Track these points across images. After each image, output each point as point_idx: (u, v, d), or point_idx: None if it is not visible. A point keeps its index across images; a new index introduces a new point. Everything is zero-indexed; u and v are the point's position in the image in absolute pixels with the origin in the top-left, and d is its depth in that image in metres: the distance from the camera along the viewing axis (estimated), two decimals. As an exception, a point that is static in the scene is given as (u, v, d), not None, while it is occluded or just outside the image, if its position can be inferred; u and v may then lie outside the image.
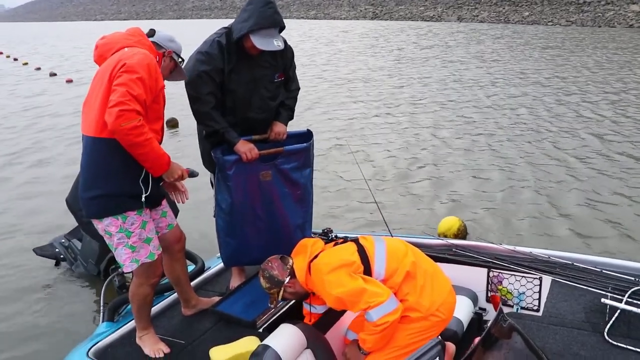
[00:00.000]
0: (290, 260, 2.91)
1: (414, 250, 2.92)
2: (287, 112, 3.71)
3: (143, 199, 2.88)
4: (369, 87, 15.61)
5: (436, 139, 9.95)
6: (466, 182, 7.67)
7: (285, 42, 3.49)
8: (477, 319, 3.17)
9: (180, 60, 3.17)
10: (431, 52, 22.57)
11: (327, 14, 49.36)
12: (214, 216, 3.74)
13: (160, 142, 2.94)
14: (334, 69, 19.47)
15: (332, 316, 3.24)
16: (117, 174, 2.81)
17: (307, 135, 3.73)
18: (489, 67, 18.21)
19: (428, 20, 39.09)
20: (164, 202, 3.23)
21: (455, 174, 8.01)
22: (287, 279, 2.87)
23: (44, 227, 6.72)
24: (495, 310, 2.58)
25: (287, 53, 3.60)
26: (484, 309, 2.83)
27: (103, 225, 2.89)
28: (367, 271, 2.75)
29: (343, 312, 3.28)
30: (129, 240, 2.90)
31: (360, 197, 7.24)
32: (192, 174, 3.18)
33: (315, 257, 2.86)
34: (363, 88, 15.56)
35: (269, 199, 3.56)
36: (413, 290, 2.73)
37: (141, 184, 2.88)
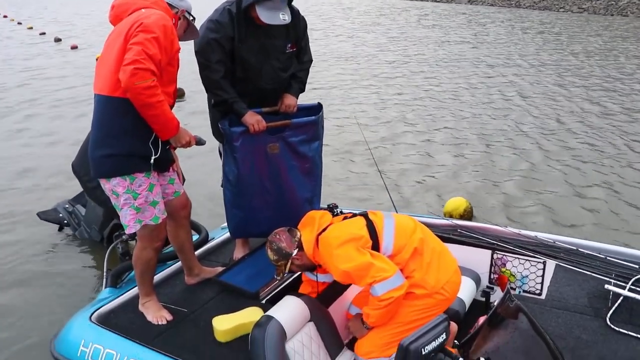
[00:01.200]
0: (298, 233, 2.91)
1: (423, 228, 2.91)
2: (298, 84, 3.66)
3: (152, 161, 2.90)
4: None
5: (442, 121, 9.90)
6: (473, 162, 7.64)
7: (298, 12, 3.47)
8: (485, 298, 3.16)
9: (192, 18, 3.16)
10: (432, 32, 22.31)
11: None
12: (222, 187, 3.73)
13: (172, 106, 2.93)
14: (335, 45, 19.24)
15: (335, 290, 3.25)
16: (127, 134, 2.81)
17: (317, 109, 3.69)
18: (486, 48, 17.99)
19: (438, 2, 38.62)
20: (172, 168, 3.22)
21: (467, 158, 7.98)
22: (295, 252, 2.86)
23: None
24: (502, 291, 2.58)
25: (299, 23, 3.56)
26: (492, 288, 2.83)
27: (110, 185, 2.90)
28: (375, 246, 2.74)
29: (347, 286, 3.29)
30: (135, 202, 2.91)
31: (366, 177, 7.23)
32: (200, 142, 3.18)
33: (324, 230, 2.85)
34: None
35: (277, 172, 3.54)
36: (419, 267, 2.73)
37: (151, 146, 2.88)
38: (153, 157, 2.89)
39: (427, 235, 2.87)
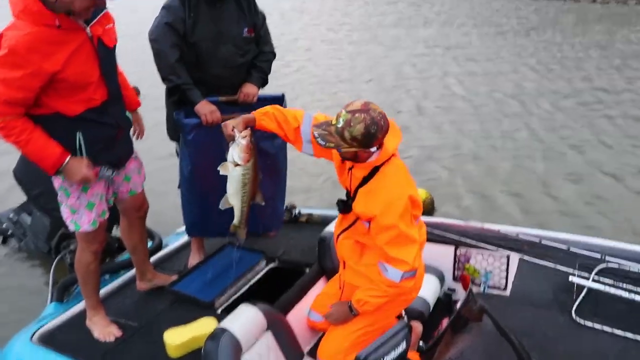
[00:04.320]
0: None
1: None
2: (259, 73, 3.47)
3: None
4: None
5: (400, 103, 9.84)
6: (436, 155, 7.57)
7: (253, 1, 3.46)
8: (447, 300, 3.07)
9: None
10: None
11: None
12: (179, 187, 3.56)
13: (105, 107, 2.67)
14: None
15: (293, 296, 3.11)
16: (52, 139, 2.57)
17: (280, 100, 3.47)
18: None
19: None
20: (132, 165, 3.00)
21: (425, 149, 7.91)
22: (375, 149, 2.35)
23: None
24: (465, 291, 2.49)
25: (254, 8, 3.47)
26: (453, 290, 2.74)
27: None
28: None
29: (305, 291, 3.15)
30: (68, 201, 2.75)
31: (317, 171, 7.08)
32: (104, 176, 2.81)
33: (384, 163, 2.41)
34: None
35: None
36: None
37: (79, 152, 2.65)
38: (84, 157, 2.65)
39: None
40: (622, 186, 6.56)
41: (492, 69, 12.90)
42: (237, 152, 2.53)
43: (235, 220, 2.77)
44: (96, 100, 2.63)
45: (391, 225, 2.31)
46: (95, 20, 2.57)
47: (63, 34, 2.43)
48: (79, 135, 2.61)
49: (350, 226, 2.59)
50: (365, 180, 2.40)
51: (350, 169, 2.46)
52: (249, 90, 3.39)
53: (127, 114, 3.00)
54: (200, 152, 3.26)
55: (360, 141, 2.26)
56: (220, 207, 2.68)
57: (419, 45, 15.96)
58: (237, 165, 2.56)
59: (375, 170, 2.39)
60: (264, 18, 3.55)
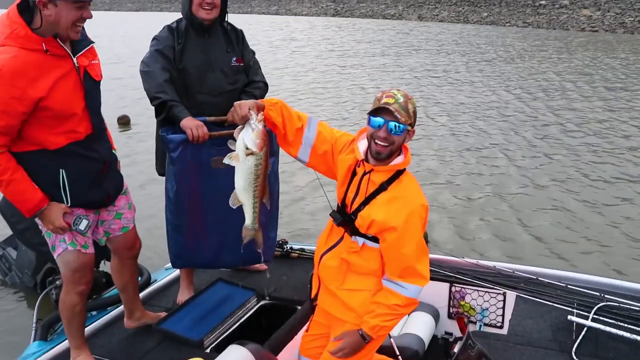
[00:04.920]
0: None
1: None
2: (249, 97, 3.38)
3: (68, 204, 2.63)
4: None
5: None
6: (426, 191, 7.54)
7: (240, 31, 3.54)
8: (444, 344, 2.96)
9: None
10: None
11: (288, 9, 48.90)
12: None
13: (89, 142, 2.62)
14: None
15: (285, 336, 3.02)
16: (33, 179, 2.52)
17: None
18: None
19: (389, 19, 39.13)
20: (122, 202, 2.92)
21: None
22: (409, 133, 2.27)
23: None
24: (462, 334, 2.40)
25: (241, 40, 3.51)
26: (450, 334, 2.63)
27: None
28: None
29: (296, 331, 3.06)
30: (49, 242, 2.72)
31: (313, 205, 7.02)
32: (78, 230, 2.69)
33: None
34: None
35: (225, 191, 3.18)
36: None
37: (63, 194, 2.59)
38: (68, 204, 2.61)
39: None
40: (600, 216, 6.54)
41: (477, 95, 13.07)
42: (252, 137, 2.18)
43: (248, 221, 2.39)
44: (80, 133, 2.57)
45: (415, 238, 2.24)
46: (81, 53, 2.56)
47: (50, 59, 2.40)
48: (62, 173, 2.54)
49: (337, 243, 2.45)
50: (384, 186, 2.28)
51: (366, 173, 2.31)
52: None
53: (113, 151, 2.93)
54: (186, 171, 3.16)
55: (415, 117, 2.25)
56: (230, 204, 2.36)
57: (405, 73, 16.21)
58: (250, 153, 2.21)
59: (396, 175, 2.30)
60: (253, 53, 3.58)
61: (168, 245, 3.43)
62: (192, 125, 3.06)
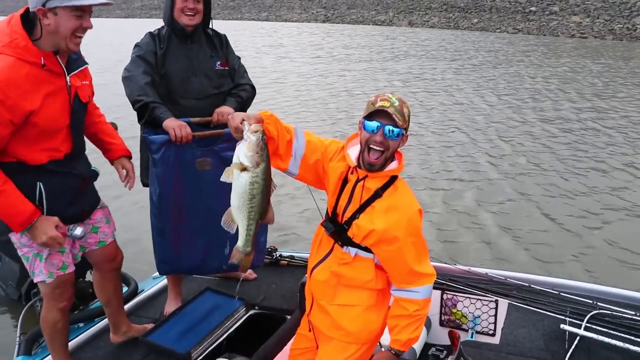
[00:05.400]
0: None
1: None
2: (235, 98, 3.35)
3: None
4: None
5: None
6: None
7: (223, 35, 3.48)
8: None
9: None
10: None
11: (278, 16, 48.91)
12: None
13: (68, 160, 2.57)
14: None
15: (272, 347, 2.97)
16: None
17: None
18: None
19: (380, 25, 39.25)
20: (98, 215, 2.86)
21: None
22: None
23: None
24: (454, 350, 2.36)
25: (224, 44, 3.46)
26: (442, 350, 2.57)
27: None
28: None
29: (285, 342, 3.00)
30: (22, 250, 2.61)
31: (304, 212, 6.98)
32: (74, 236, 2.65)
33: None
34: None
35: (210, 193, 3.08)
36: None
37: (39, 203, 2.51)
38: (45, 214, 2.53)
39: None
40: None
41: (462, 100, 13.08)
42: (244, 150, 2.01)
43: (239, 243, 2.18)
44: (60, 152, 2.52)
45: (416, 240, 2.22)
46: (75, 73, 2.53)
47: (45, 75, 2.36)
48: (39, 186, 2.49)
49: (327, 256, 2.39)
50: (378, 193, 2.23)
51: (360, 180, 2.26)
52: (224, 109, 3.23)
53: (94, 167, 2.87)
54: (169, 174, 3.07)
55: (409, 121, 2.22)
56: (222, 224, 2.15)
57: (394, 78, 16.26)
58: (244, 169, 2.03)
59: (391, 181, 2.26)
60: (238, 58, 3.52)
61: (154, 251, 3.34)
62: (175, 125, 2.99)
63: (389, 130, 2.13)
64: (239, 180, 2.04)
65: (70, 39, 2.37)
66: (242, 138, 2.03)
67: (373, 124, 2.14)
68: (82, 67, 2.61)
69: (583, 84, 15.42)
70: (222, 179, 2.08)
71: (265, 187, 2.06)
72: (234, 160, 2.04)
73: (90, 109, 2.80)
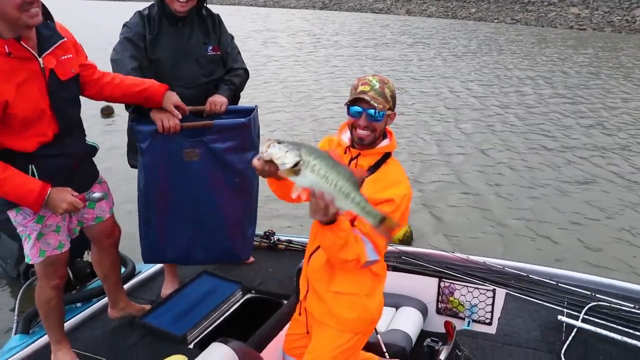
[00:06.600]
0: None
1: None
2: (227, 86, 3.27)
3: None
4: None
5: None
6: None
7: (217, 15, 3.36)
8: (429, 352, 2.90)
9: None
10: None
11: (276, 2, 48.64)
12: None
13: (58, 140, 2.50)
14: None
15: (268, 332, 2.97)
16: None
17: (252, 112, 3.18)
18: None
19: (377, 13, 39.03)
20: (94, 191, 2.79)
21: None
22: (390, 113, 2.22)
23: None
24: (450, 340, 2.36)
25: (218, 26, 3.32)
26: (437, 341, 2.55)
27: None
28: None
29: (281, 326, 3.00)
30: (19, 229, 2.60)
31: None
32: (92, 199, 2.66)
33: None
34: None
35: (198, 184, 3.05)
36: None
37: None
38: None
39: None
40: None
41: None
42: (280, 162, 1.76)
43: (368, 222, 1.88)
44: (48, 135, 2.47)
45: (390, 199, 2.12)
46: (49, 51, 2.42)
47: (13, 62, 2.28)
48: (31, 168, 2.45)
49: None
50: (371, 170, 2.22)
51: (353, 158, 2.26)
52: (217, 99, 3.16)
53: (92, 142, 2.82)
54: (156, 164, 3.02)
55: (394, 100, 2.23)
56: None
57: (384, 65, 16.28)
58: (296, 171, 1.77)
59: (384, 158, 2.26)
60: (232, 37, 3.40)
61: (139, 239, 3.26)
62: (162, 115, 2.92)
63: (373, 112, 2.16)
64: (306, 179, 1.78)
65: (22, 14, 2.22)
66: (272, 162, 1.79)
67: (356, 109, 2.18)
68: (58, 43, 2.47)
69: (570, 75, 15.43)
70: (294, 195, 1.85)
71: (324, 159, 1.78)
72: (282, 175, 1.80)
73: (94, 77, 2.70)
